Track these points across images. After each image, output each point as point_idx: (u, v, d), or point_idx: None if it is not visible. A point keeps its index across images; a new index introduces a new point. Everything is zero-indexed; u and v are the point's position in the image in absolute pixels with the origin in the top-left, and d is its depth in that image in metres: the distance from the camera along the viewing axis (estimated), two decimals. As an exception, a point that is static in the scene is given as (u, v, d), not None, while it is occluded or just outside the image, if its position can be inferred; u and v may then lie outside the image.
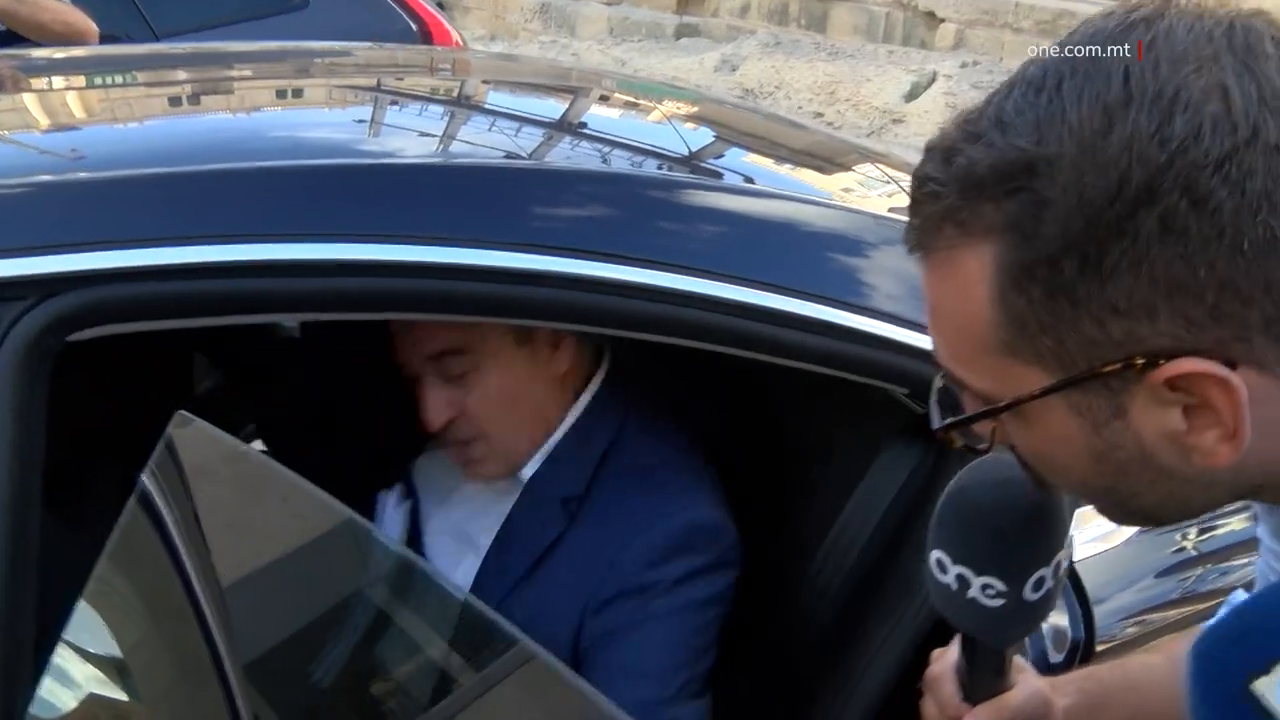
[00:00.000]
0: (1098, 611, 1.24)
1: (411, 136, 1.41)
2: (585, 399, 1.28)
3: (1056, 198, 0.57)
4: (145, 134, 1.39)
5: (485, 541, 1.27)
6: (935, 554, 0.82)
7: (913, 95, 7.99)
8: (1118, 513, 0.70)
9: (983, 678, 0.88)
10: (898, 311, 1.16)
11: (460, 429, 1.23)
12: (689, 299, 1.10)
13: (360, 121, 1.52)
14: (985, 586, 0.79)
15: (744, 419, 1.51)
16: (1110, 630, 1.28)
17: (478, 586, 1.23)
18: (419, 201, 1.10)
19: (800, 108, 8.25)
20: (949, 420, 0.71)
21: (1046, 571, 0.80)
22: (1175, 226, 0.55)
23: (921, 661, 1.12)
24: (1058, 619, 1.23)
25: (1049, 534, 0.80)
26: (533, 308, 1.09)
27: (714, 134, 1.69)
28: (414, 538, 1.36)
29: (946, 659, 0.92)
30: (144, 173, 1.07)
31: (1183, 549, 1.41)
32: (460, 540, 1.31)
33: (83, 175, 1.08)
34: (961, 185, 0.60)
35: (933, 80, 8.05)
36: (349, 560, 0.69)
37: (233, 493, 0.76)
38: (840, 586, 1.30)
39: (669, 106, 1.79)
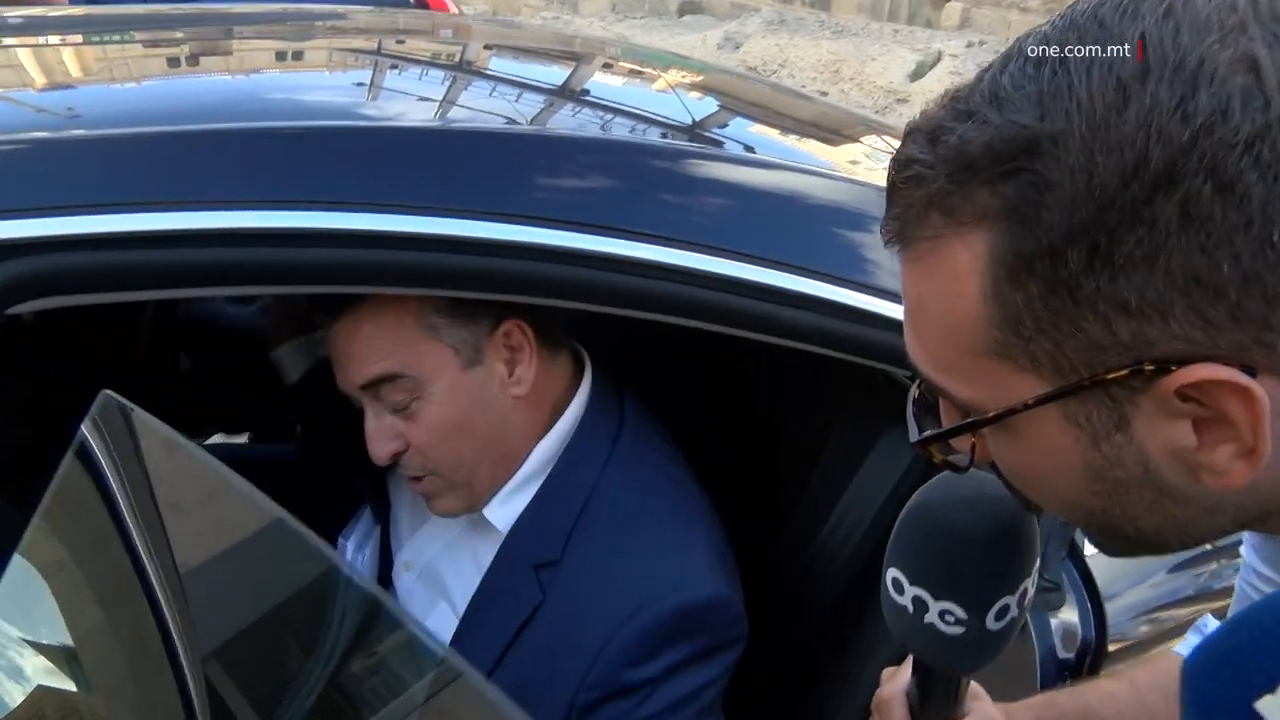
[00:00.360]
0: (1109, 608, 1.20)
1: (408, 101, 1.34)
2: (562, 427, 1.14)
3: (1062, 180, 0.50)
4: (123, 95, 1.32)
5: (459, 594, 1.15)
6: (891, 572, 0.75)
7: (918, 75, 7.92)
8: (1109, 539, 0.63)
9: (935, 704, 0.83)
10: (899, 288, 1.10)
11: (409, 463, 1.11)
12: (682, 274, 1.03)
13: (357, 85, 1.44)
14: (944, 613, 0.73)
15: (738, 404, 1.46)
16: (1122, 628, 1.24)
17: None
18: (406, 167, 1.02)
19: (804, 86, 8.18)
20: (928, 434, 0.64)
21: (1012, 600, 0.73)
22: (1198, 214, 0.49)
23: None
24: (1068, 615, 1.18)
25: (1017, 560, 0.73)
26: (517, 283, 1.01)
27: (718, 103, 1.63)
28: (385, 563, 1.27)
29: (898, 680, 0.87)
30: (96, 134, 0.99)
31: (1196, 543, 1.36)
32: (431, 584, 1.20)
33: (25, 136, 0.99)
34: (951, 167, 0.53)
35: (938, 60, 7.98)
36: (279, 561, 0.64)
37: (159, 478, 0.70)
38: (836, 580, 1.25)
39: (673, 75, 1.73)
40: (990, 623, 0.73)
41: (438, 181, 1.01)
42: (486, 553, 1.14)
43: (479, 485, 1.13)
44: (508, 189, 1.03)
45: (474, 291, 1.02)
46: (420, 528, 1.23)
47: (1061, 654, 1.16)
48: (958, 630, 0.73)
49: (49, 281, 0.89)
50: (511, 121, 1.21)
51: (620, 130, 1.27)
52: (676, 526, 1.11)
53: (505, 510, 1.13)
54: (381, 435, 1.09)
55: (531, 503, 1.12)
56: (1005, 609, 0.73)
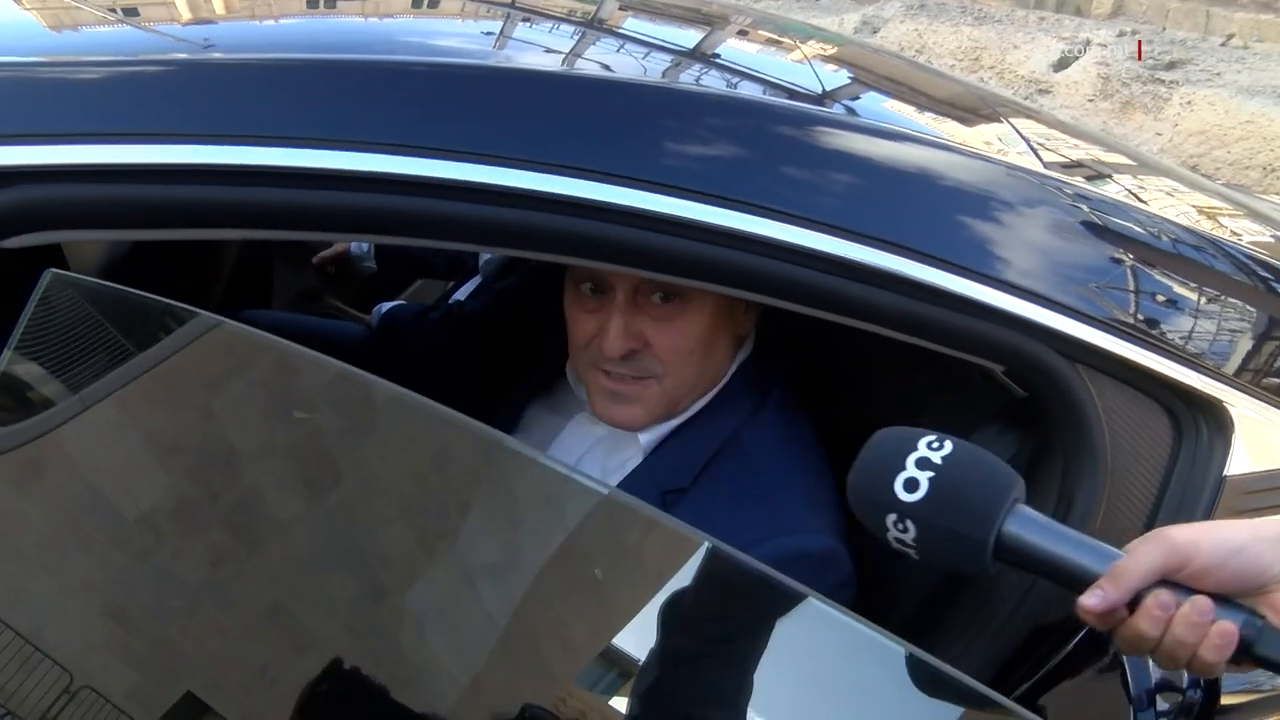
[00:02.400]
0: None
1: (535, 52, 1.31)
2: (730, 370, 1.23)
3: None
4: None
5: None
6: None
7: (1062, 65, 7.60)
8: None
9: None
10: (1005, 275, 1.00)
11: (639, 363, 1.15)
12: (764, 246, 0.97)
13: (485, 33, 1.42)
14: (895, 524, 0.80)
15: (825, 388, 1.39)
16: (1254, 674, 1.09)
17: None
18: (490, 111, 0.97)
19: (941, 72, 7.95)
20: None
21: (909, 474, 0.80)
22: None
23: (999, 684, 1.00)
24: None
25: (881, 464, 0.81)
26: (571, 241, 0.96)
27: (849, 75, 1.57)
28: None
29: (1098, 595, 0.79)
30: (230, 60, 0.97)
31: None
32: None
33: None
34: None
35: (1085, 49, 7.64)
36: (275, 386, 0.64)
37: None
38: (914, 594, 1.18)
39: (810, 47, 1.67)
40: (903, 495, 0.80)
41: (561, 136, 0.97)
42: (614, 471, 1.20)
43: (680, 402, 1.19)
44: (591, 142, 0.98)
45: (569, 257, 0.99)
46: (555, 439, 1.28)
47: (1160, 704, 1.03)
48: (908, 531, 0.80)
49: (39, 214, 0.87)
50: (648, 81, 1.15)
51: (751, 96, 1.21)
52: (804, 481, 1.15)
53: (650, 435, 1.19)
54: (624, 332, 1.12)
55: (672, 434, 1.19)
56: (912, 482, 0.80)
